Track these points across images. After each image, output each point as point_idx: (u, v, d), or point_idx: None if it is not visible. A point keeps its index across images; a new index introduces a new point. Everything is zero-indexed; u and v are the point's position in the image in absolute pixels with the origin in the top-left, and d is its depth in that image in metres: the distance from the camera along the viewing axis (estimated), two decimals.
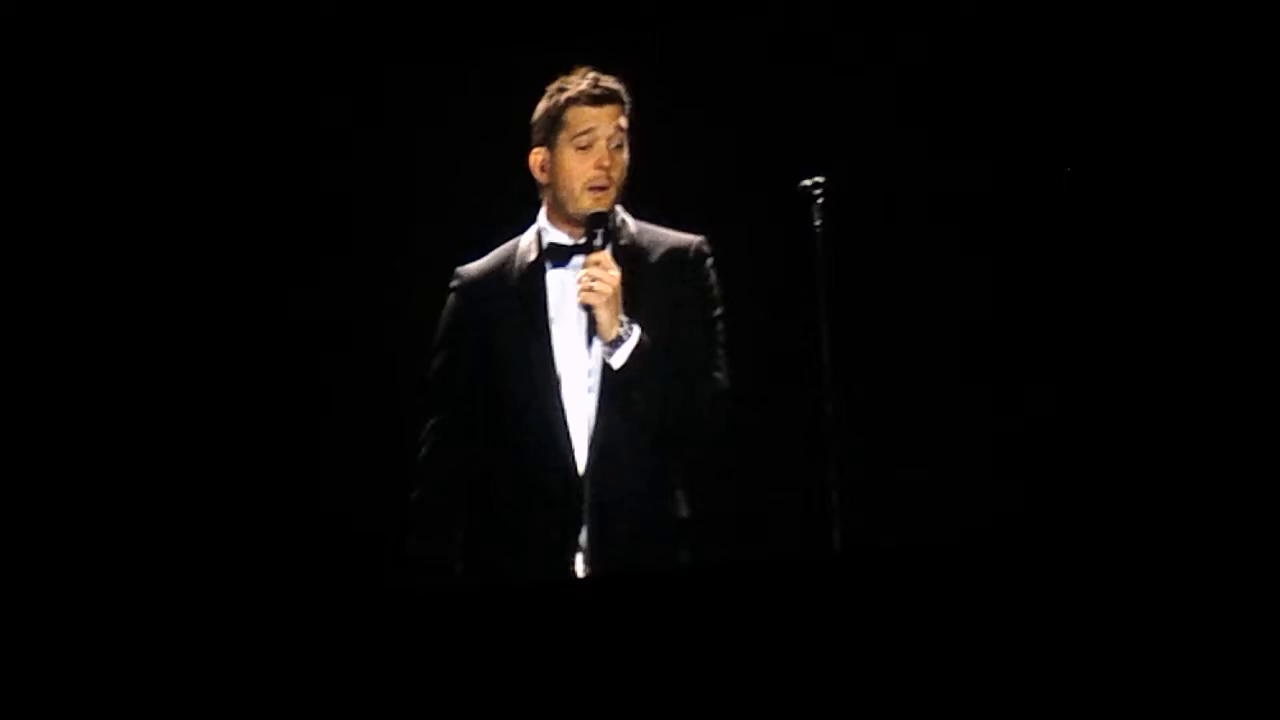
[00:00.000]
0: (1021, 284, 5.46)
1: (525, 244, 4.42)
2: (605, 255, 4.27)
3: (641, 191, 4.41)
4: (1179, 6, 5.29)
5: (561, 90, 4.38)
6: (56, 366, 5.43)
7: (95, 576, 5.23)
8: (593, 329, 4.26)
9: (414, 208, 5.63)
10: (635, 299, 4.28)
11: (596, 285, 4.23)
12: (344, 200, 5.62)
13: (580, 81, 4.37)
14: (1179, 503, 3.43)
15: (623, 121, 4.36)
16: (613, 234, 4.33)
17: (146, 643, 3.16)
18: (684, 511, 4.36)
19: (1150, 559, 3.08)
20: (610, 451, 4.27)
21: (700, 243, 4.42)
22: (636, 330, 4.26)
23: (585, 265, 4.27)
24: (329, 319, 5.60)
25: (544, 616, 3.27)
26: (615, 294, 4.24)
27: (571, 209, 4.34)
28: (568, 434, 4.29)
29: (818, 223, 4.43)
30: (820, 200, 4.44)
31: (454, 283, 4.46)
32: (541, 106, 4.40)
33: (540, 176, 4.40)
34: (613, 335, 4.25)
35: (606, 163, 4.33)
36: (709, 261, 4.41)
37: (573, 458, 4.28)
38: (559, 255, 4.37)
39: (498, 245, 4.48)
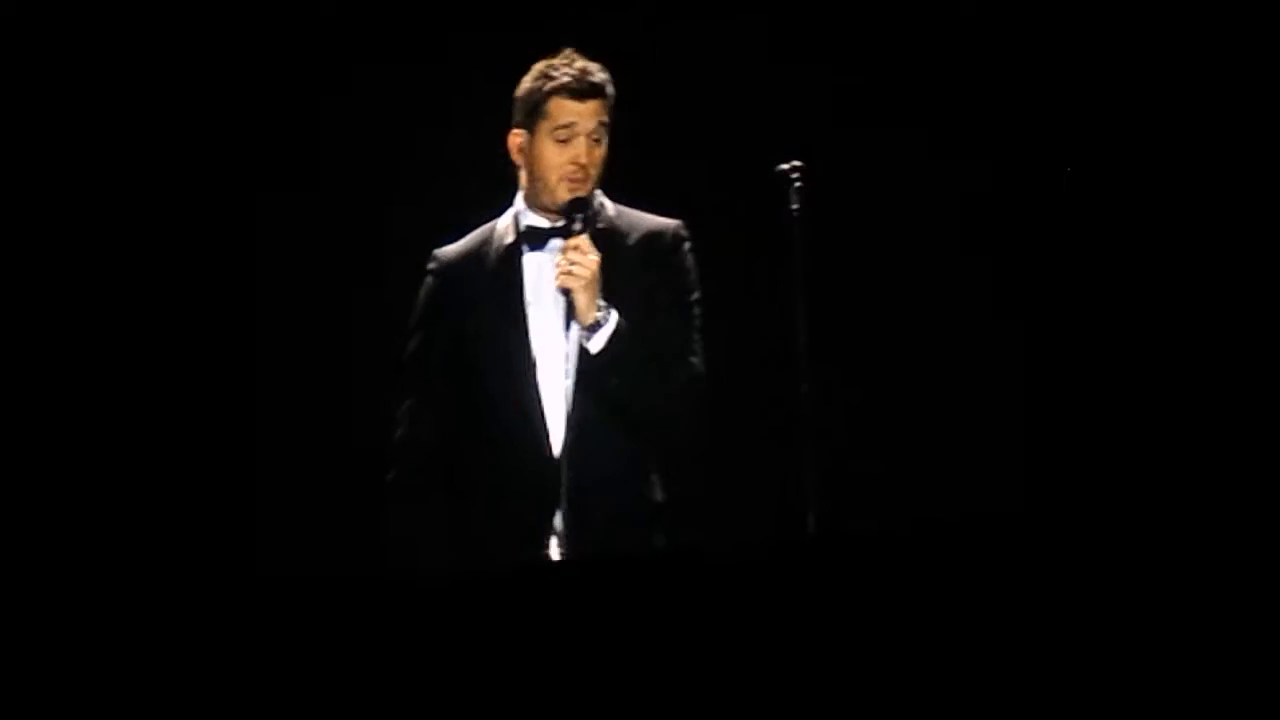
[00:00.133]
0: (999, 270, 5.48)
1: (502, 227, 4.42)
2: (584, 239, 4.26)
3: (619, 174, 4.40)
4: (1179, 6, 5.30)
5: (547, 76, 4.33)
6: (38, 355, 5.43)
7: (71, 566, 5.23)
8: (570, 313, 4.25)
9: (391, 189, 5.64)
10: (612, 283, 4.27)
11: (575, 269, 4.22)
12: (321, 183, 5.63)
13: (566, 70, 4.32)
14: (1160, 490, 3.43)
15: (605, 117, 4.33)
16: (591, 218, 4.32)
17: (119, 633, 3.16)
18: (659, 496, 4.37)
19: (1125, 543, 3.09)
20: (586, 435, 4.26)
21: (678, 227, 4.42)
22: (614, 315, 4.25)
23: (564, 249, 4.26)
24: (305, 302, 5.61)
25: (518, 600, 3.27)
26: (594, 278, 4.23)
27: (546, 199, 4.33)
28: (543, 417, 4.29)
29: (795, 206, 4.42)
30: (798, 184, 4.43)
31: (431, 265, 4.44)
32: (525, 86, 4.36)
33: (517, 159, 4.39)
34: (590, 320, 4.24)
35: (584, 159, 4.30)
36: (686, 245, 4.41)
37: (548, 441, 4.28)
38: (536, 238, 4.35)
39: (475, 227, 4.48)
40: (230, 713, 3.29)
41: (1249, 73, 5.27)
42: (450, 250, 4.44)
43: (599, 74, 4.34)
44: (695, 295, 4.39)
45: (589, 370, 4.26)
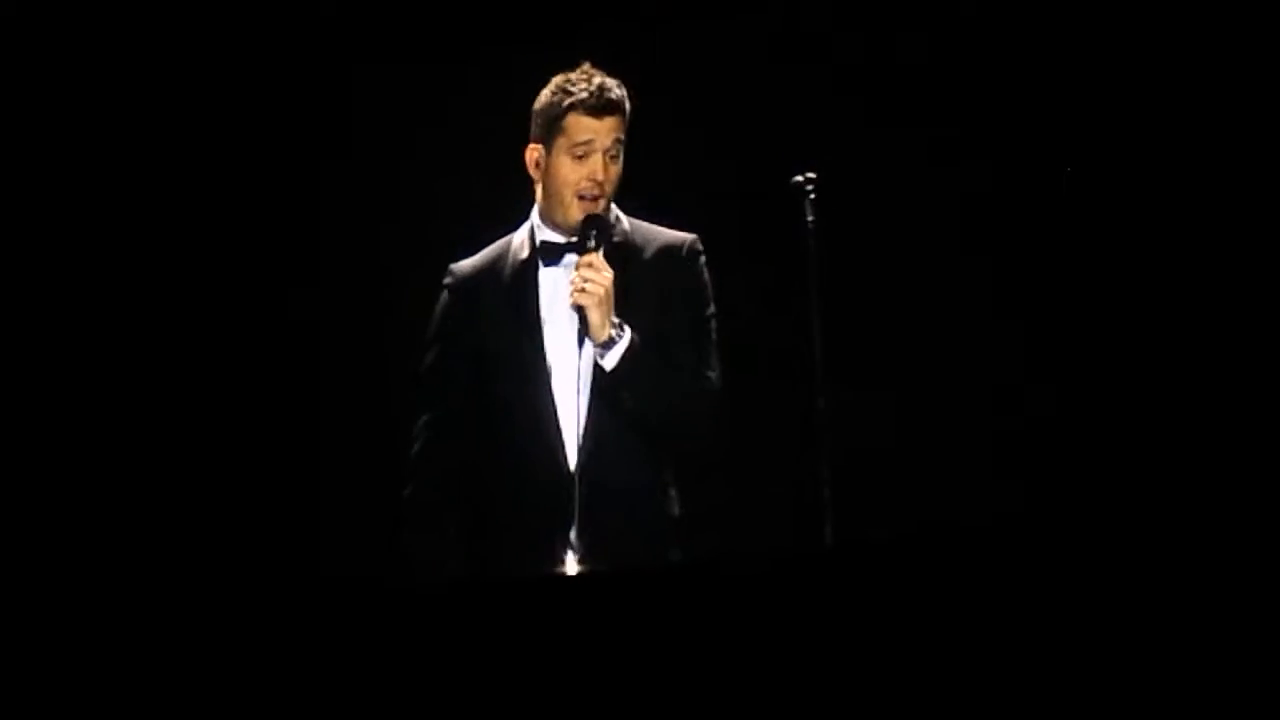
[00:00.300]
0: (1013, 279, 5.47)
1: (518, 242, 4.42)
2: (597, 256, 4.27)
3: (633, 188, 4.41)
4: (1179, 6, 5.30)
5: (565, 92, 4.32)
6: (53, 364, 5.43)
7: (86, 573, 5.23)
8: (584, 329, 4.25)
9: (408, 204, 5.64)
10: (628, 297, 4.27)
11: (589, 286, 4.22)
12: (338, 198, 5.63)
13: (585, 85, 4.31)
14: (1176, 498, 3.42)
15: (621, 133, 4.33)
16: (606, 234, 4.32)
17: (136, 642, 3.16)
18: (676, 510, 4.36)
19: (1146, 554, 3.08)
20: (601, 450, 4.26)
21: (693, 240, 4.42)
22: (628, 332, 4.25)
23: (578, 266, 4.26)
24: (321, 317, 5.60)
25: (535, 614, 3.27)
26: (607, 295, 4.23)
27: (562, 215, 4.33)
28: (559, 432, 4.29)
29: (810, 218, 4.42)
30: (812, 196, 4.43)
31: (446, 280, 4.45)
32: (543, 99, 4.36)
33: (534, 173, 4.39)
34: (604, 337, 4.24)
35: (600, 175, 4.30)
36: (701, 259, 4.41)
37: (564, 455, 4.28)
38: (551, 254, 4.35)
39: (491, 241, 4.48)
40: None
41: (1249, 73, 5.27)
42: (466, 265, 4.45)
43: (617, 90, 4.33)
44: (710, 309, 4.39)
45: (603, 385, 4.27)
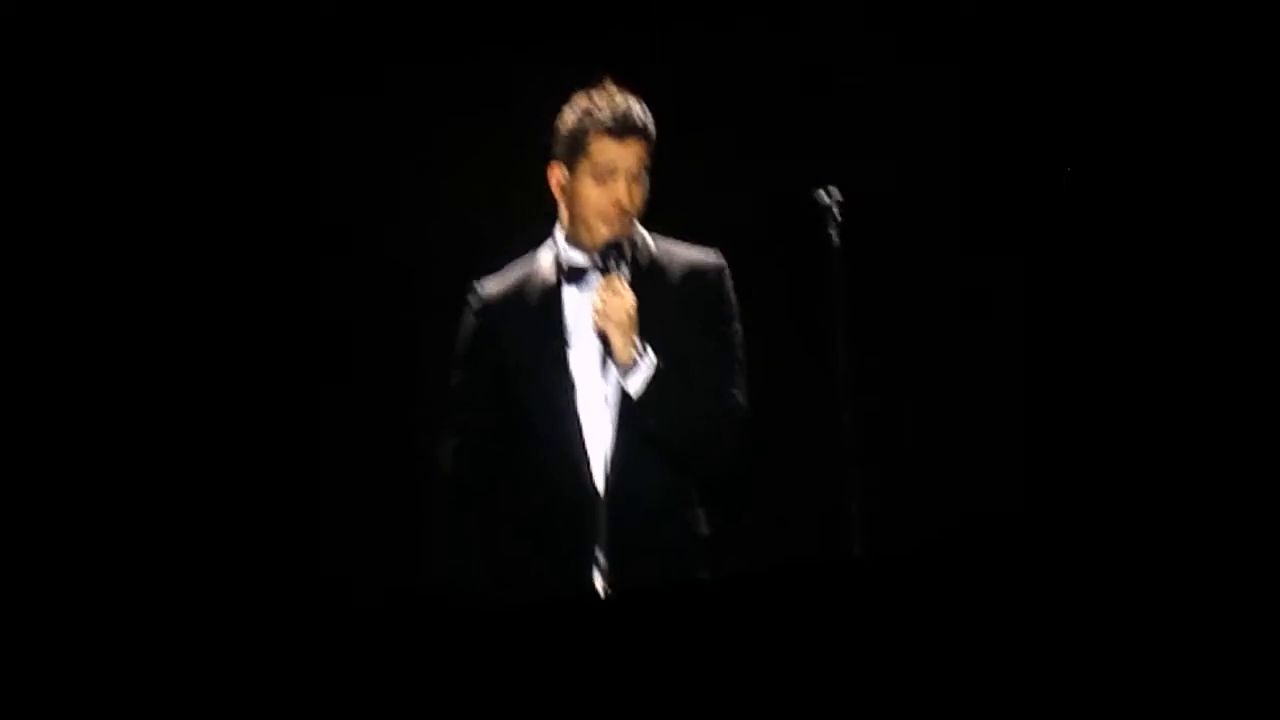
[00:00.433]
0: (1037, 292, 5.45)
1: (543, 263, 4.39)
2: (618, 280, 4.25)
3: (658, 205, 4.39)
4: (1179, 6, 5.29)
5: (588, 112, 4.30)
6: (65, 372, 5.43)
7: (111, 589, 5.22)
8: (607, 352, 4.24)
9: (430, 216, 5.63)
10: (653, 317, 4.26)
11: (610, 310, 4.21)
12: (357, 210, 5.62)
13: (608, 107, 4.29)
14: (1218, 508, 3.40)
15: (646, 156, 4.30)
16: (630, 256, 4.31)
17: (137, 642, 3.17)
18: (704, 529, 4.35)
19: (1182, 562, 3.06)
20: (628, 471, 4.25)
21: (718, 258, 4.40)
22: (651, 355, 4.24)
23: (598, 289, 4.25)
24: (333, 319, 5.58)
25: (564, 635, 3.26)
26: (628, 318, 4.22)
27: (586, 238, 4.32)
28: (585, 453, 4.28)
29: (833, 234, 4.41)
30: (836, 213, 4.41)
31: (471, 299, 4.44)
32: (565, 120, 4.33)
33: (557, 193, 4.37)
34: (627, 359, 4.23)
35: (624, 199, 4.28)
36: (726, 277, 4.39)
37: (590, 477, 4.27)
38: (576, 276, 4.34)
39: (513, 254, 4.45)
40: None
41: (1249, 73, 5.25)
42: (491, 286, 4.43)
43: (641, 113, 4.31)
44: (736, 326, 4.37)
45: (628, 407, 4.26)
